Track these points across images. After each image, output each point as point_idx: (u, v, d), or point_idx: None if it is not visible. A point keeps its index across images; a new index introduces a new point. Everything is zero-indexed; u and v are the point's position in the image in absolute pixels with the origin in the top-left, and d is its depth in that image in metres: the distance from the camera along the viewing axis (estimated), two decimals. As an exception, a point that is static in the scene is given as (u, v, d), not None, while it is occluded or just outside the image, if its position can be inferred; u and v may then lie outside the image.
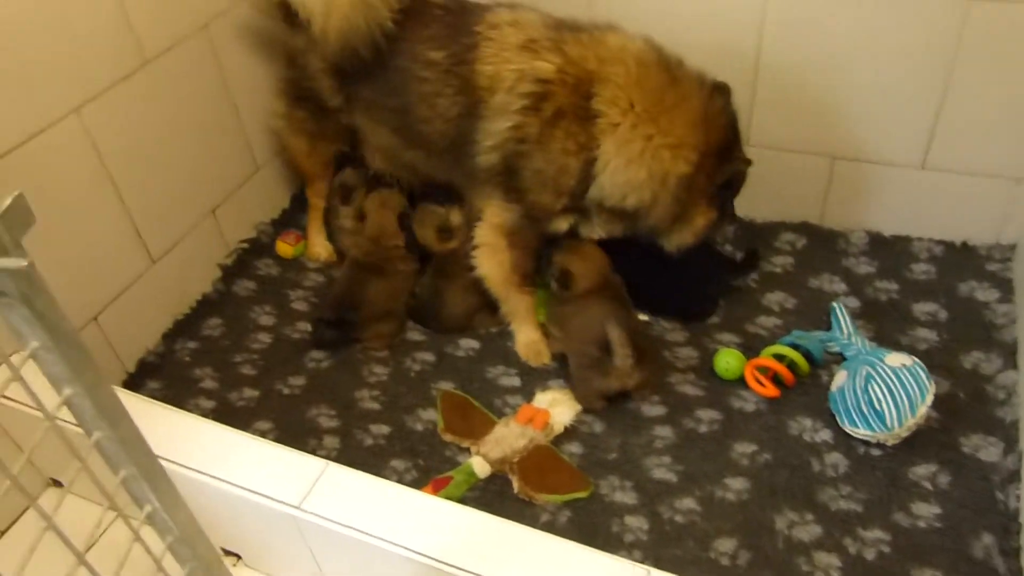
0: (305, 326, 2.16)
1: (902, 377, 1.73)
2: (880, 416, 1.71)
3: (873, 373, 1.75)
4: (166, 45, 1.97)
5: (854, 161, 2.13)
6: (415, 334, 2.11)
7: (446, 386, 1.97)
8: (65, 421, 0.79)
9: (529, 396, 1.92)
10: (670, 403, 1.89)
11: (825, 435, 1.80)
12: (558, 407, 1.86)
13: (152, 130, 1.98)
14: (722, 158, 1.80)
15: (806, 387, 1.89)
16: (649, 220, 1.85)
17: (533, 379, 1.97)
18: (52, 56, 1.70)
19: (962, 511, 1.62)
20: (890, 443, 1.74)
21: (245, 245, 2.36)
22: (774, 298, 2.12)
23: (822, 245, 2.23)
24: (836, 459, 1.75)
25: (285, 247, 2.36)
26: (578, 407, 1.87)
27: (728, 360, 1.91)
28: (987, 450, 1.71)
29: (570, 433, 1.84)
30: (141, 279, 2.01)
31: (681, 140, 1.76)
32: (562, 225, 1.93)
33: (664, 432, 1.84)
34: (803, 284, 2.14)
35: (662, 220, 1.85)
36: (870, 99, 2.02)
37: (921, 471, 1.71)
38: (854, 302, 2.07)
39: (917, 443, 1.73)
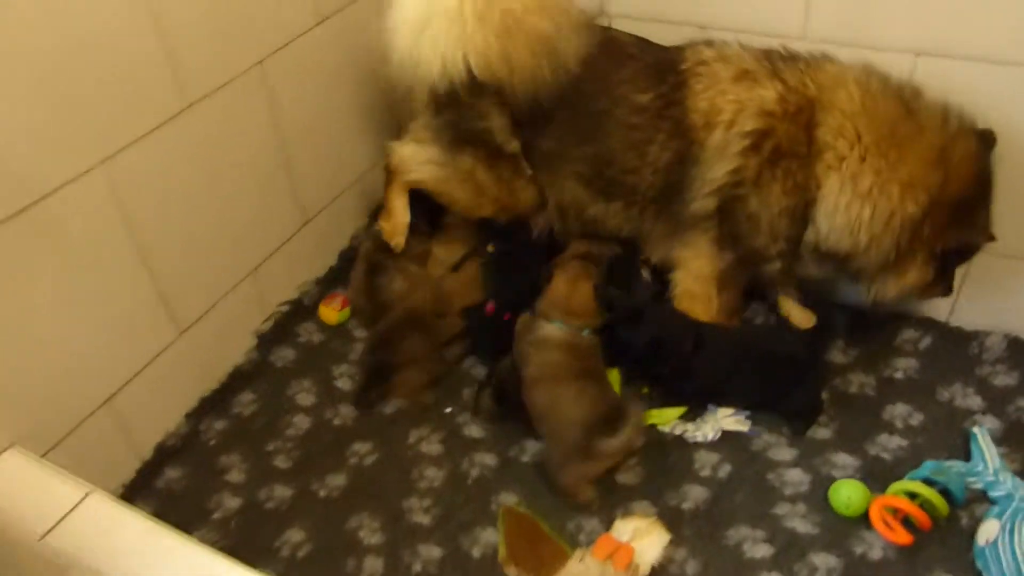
0: (349, 410, 1.88)
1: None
2: (1049, 594, 1.39)
3: (1046, 528, 1.43)
4: (213, 85, 1.71)
5: (992, 254, 1.80)
6: (473, 429, 1.83)
7: (509, 500, 1.68)
8: None
9: (608, 520, 1.62)
10: (778, 541, 1.58)
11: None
12: (642, 539, 1.56)
13: (187, 182, 1.72)
14: (959, 216, 1.61)
15: (943, 533, 1.57)
16: (859, 262, 1.69)
17: (615, 498, 1.67)
18: (81, 99, 1.45)
19: None
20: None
21: (285, 307, 2.09)
22: (896, 412, 1.80)
23: (952, 348, 1.91)
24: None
25: (329, 312, 2.09)
26: (666, 538, 1.57)
27: (850, 494, 1.60)
28: None
29: (658, 574, 1.54)
30: (166, 352, 1.75)
31: (912, 178, 1.57)
32: (775, 266, 1.77)
33: (770, 582, 1.53)
34: (930, 395, 1.83)
35: (872, 264, 1.68)
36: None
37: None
38: (992, 422, 1.75)
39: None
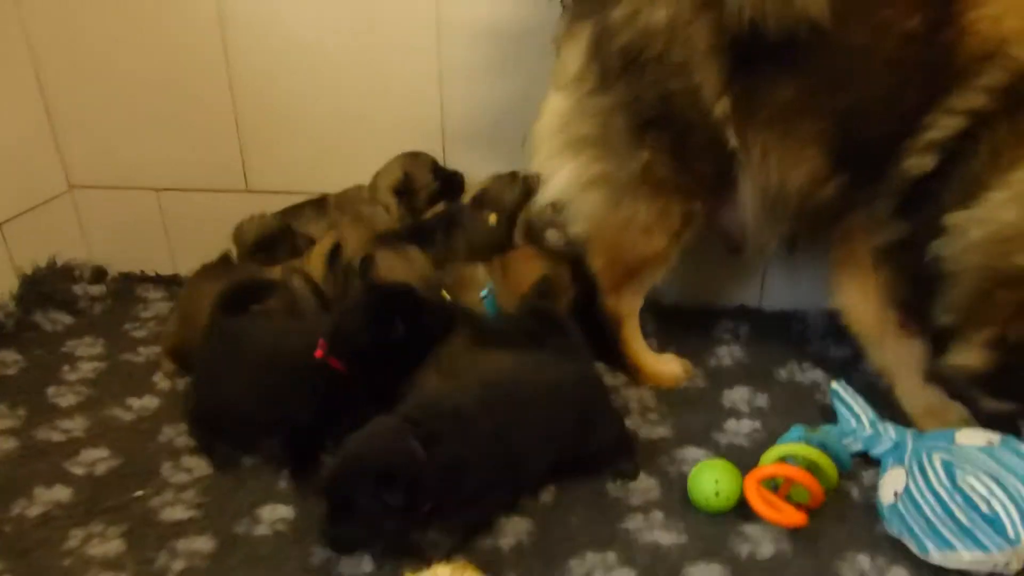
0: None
1: (1003, 458, 1.08)
2: (995, 522, 1.02)
3: (957, 460, 1.09)
4: None
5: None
6: (177, 510, 1.20)
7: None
8: None
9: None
10: (639, 561, 1.10)
11: (902, 572, 1.08)
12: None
13: None
14: None
15: (838, 510, 1.19)
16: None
17: (404, 558, 1.10)
18: None
19: None
20: (1012, 569, 1.04)
21: None
22: (736, 396, 1.47)
23: (774, 331, 1.64)
24: (936, 615, 1.02)
25: None
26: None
27: (716, 477, 1.17)
28: None
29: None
30: None
31: None
32: None
33: (642, 614, 1.03)
34: (767, 376, 1.53)
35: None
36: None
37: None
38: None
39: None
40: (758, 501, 1.13)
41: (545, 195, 1.40)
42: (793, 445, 1.19)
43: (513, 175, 1.59)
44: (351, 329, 1.24)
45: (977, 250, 1.11)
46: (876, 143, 1.20)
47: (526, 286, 1.42)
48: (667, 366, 1.51)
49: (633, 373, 1.50)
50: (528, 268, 1.47)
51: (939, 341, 1.18)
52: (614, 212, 1.35)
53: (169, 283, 1.86)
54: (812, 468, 1.17)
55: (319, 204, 1.70)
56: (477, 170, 1.67)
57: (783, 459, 1.18)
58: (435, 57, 1.61)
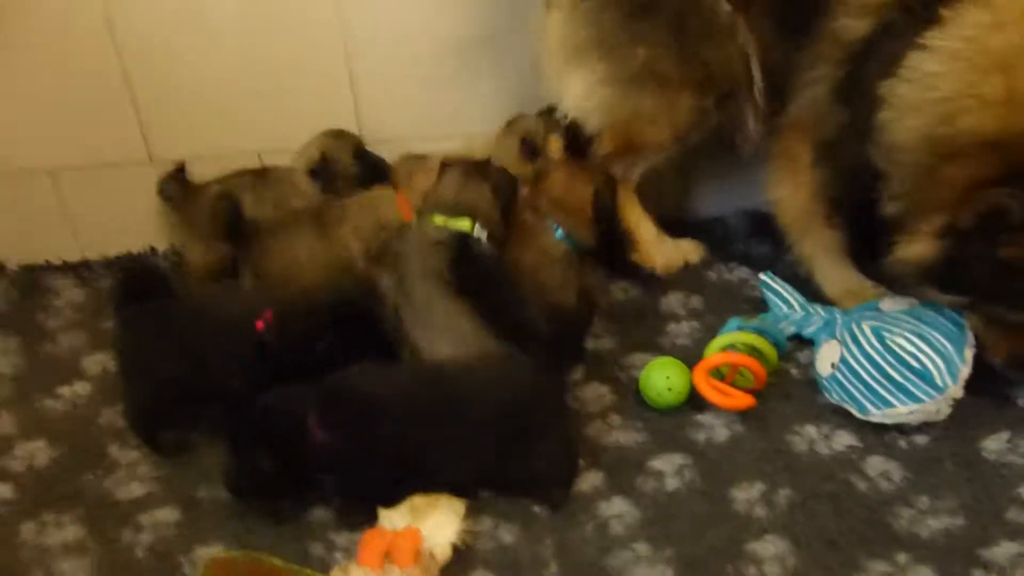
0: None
1: (925, 317, 1.17)
2: (924, 375, 1.10)
3: (884, 325, 1.16)
4: None
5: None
6: (133, 487, 1.17)
7: (209, 552, 1.04)
8: None
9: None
10: (604, 462, 1.14)
11: (847, 438, 1.16)
12: (425, 518, 1.02)
13: None
14: None
15: (782, 390, 1.26)
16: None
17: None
18: None
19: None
20: (943, 414, 1.13)
21: None
22: (672, 301, 1.49)
23: (699, 237, 1.67)
24: (881, 465, 1.11)
25: None
26: (459, 507, 1.05)
27: (667, 374, 1.21)
28: None
29: (468, 557, 1.00)
30: None
31: None
32: None
33: (617, 509, 1.07)
34: (698, 279, 1.56)
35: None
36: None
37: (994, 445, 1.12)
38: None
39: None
40: (708, 390, 1.19)
41: (565, 110, 1.40)
42: (734, 334, 1.24)
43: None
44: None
45: (914, 115, 1.07)
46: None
47: (585, 207, 1.38)
48: (663, 248, 1.53)
49: (632, 248, 1.52)
50: (578, 188, 1.41)
51: (884, 236, 1.13)
52: (621, 105, 1.36)
53: (78, 269, 1.77)
54: (753, 352, 1.23)
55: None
56: (391, 127, 1.65)
57: (726, 348, 1.24)
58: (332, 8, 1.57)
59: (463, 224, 1.24)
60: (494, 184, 1.29)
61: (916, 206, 1.08)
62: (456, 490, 1.06)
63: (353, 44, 1.59)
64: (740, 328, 1.26)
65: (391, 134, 1.65)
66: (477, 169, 1.31)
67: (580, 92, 1.37)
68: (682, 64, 1.32)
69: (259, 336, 1.21)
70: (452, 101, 1.64)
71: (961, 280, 1.06)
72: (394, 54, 1.61)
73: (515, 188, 1.34)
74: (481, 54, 1.59)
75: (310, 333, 1.21)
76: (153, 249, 1.75)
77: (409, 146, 1.60)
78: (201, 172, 1.53)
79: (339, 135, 1.55)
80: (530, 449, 1.06)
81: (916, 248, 1.07)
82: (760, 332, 1.26)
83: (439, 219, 1.25)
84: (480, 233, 1.25)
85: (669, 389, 1.20)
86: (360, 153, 1.55)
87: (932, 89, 1.04)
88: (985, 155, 0.99)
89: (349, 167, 1.53)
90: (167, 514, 1.12)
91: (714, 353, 1.23)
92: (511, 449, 1.06)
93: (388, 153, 1.59)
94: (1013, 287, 1.02)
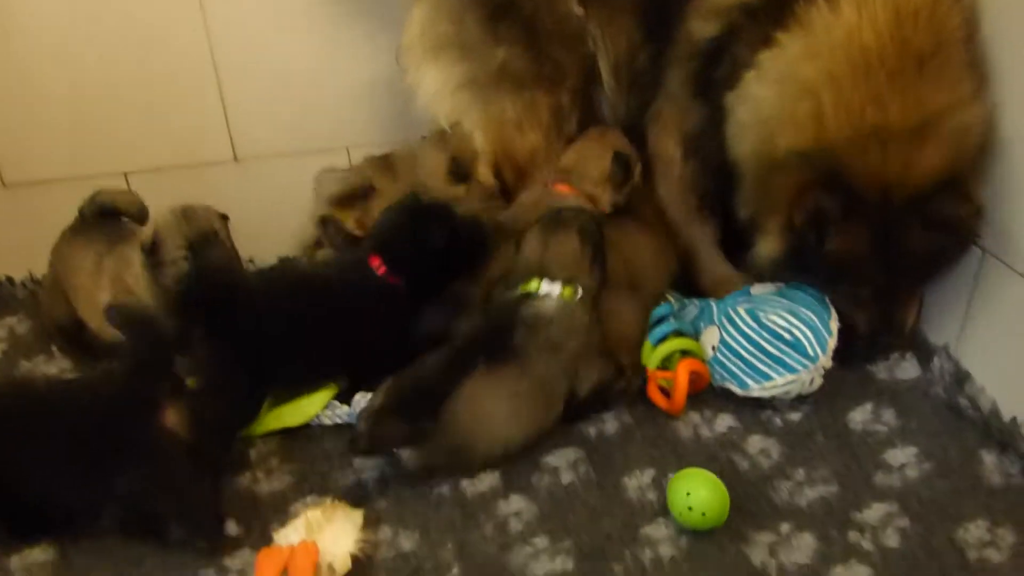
0: None
1: (792, 296, 1.25)
2: (798, 346, 1.18)
3: (758, 306, 1.23)
4: None
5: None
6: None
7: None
8: None
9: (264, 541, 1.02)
10: (501, 464, 1.15)
11: (727, 420, 1.22)
12: (323, 530, 1.00)
13: None
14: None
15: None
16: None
17: (266, 510, 1.08)
18: None
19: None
20: (815, 385, 1.21)
21: None
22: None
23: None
24: (760, 443, 1.17)
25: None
26: (357, 517, 1.03)
27: (686, 490, 1.02)
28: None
29: (368, 567, 0.99)
30: None
31: None
32: None
33: (515, 507, 1.08)
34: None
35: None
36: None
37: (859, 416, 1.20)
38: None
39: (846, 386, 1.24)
40: (661, 399, 1.23)
41: (419, 103, 1.39)
42: (681, 340, 1.26)
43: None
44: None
45: (748, 133, 1.21)
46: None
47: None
48: None
49: None
50: (597, 155, 1.39)
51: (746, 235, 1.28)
52: (484, 111, 1.38)
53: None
54: (692, 354, 1.26)
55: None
56: (260, 130, 1.61)
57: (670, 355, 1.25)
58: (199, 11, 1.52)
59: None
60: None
61: (762, 208, 1.22)
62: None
63: (223, 65, 1.56)
64: (675, 332, 1.27)
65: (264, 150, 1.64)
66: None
67: (434, 88, 1.38)
68: (536, 64, 1.36)
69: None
70: (326, 115, 1.63)
71: (806, 269, 1.21)
72: (265, 71, 1.59)
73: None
74: (352, 68, 1.59)
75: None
76: (10, 279, 1.64)
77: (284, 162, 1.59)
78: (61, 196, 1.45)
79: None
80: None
81: (767, 246, 1.22)
82: (680, 332, 1.29)
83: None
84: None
85: (690, 508, 1.01)
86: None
87: (758, 111, 1.18)
88: (803, 166, 1.13)
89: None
90: (39, 554, 1.04)
91: (660, 366, 1.25)
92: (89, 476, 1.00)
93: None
94: (846, 271, 1.17)
